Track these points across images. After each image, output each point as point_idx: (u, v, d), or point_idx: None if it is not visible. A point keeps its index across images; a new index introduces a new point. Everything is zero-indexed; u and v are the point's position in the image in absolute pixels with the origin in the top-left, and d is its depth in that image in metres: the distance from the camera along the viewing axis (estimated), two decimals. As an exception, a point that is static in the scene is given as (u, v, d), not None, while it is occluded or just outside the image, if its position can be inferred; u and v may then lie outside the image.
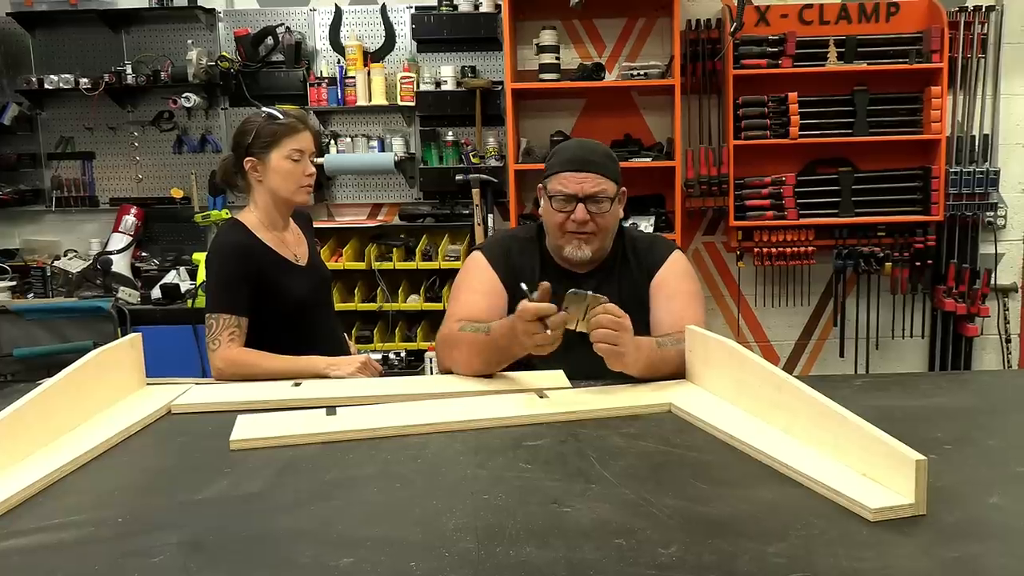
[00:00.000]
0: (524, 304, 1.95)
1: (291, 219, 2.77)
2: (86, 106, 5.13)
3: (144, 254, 5.28)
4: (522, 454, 1.60)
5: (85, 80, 5.00)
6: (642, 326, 2.29)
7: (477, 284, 2.36)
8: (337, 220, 5.30)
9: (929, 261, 5.06)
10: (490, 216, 4.93)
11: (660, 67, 4.88)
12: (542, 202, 2.40)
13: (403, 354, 4.89)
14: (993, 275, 5.14)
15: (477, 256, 2.42)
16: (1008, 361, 5.24)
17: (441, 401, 1.94)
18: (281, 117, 2.63)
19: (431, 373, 4.77)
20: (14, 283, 5.01)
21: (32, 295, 5.00)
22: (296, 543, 1.25)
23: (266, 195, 2.65)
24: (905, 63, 4.82)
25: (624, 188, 2.36)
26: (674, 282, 2.36)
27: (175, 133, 5.26)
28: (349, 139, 5.15)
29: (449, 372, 2.25)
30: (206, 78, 5.03)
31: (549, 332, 1.92)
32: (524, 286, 2.07)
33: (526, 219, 5.02)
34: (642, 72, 4.85)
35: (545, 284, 1.98)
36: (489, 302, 2.31)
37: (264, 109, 2.68)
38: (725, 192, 4.91)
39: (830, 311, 5.29)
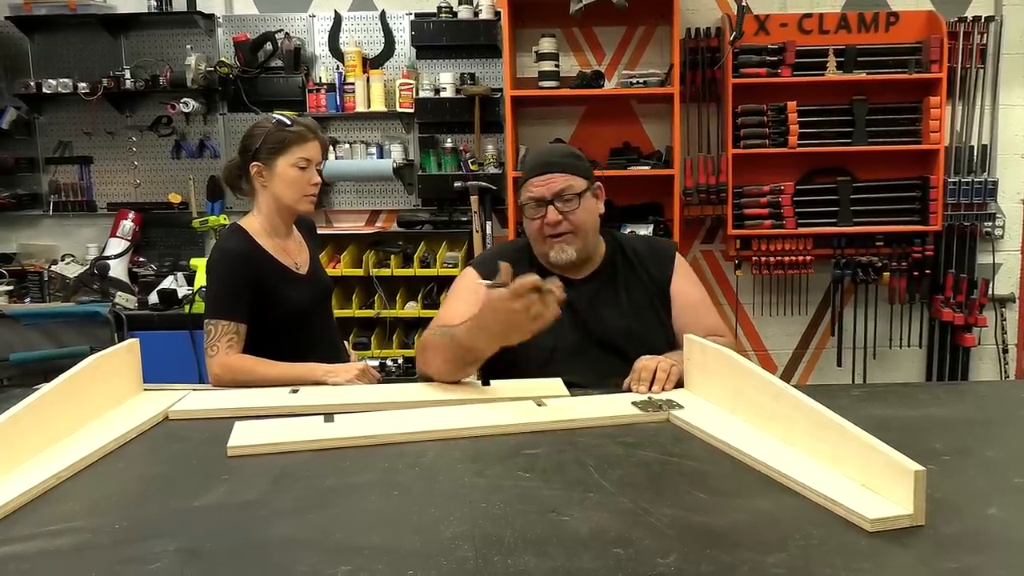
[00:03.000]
0: (520, 280, 1.87)
1: (294, 226, 2.77)
2: (84, 111, 5.14)
3: (141, 259, 5.28)
4: (520, 462, 1.59)
5: (83, 85, 5.00)
6: (656, 329, 2.34)
7: (464, 294, 2.35)
8: (335, 226, 5.30)
9: (927, 271, 5.07)
10: (488, 223, 4.93)
11: (659, 75, 4.89)
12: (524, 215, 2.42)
13: (400, 361, 4.88)
14: (991, 285, 5.15)
15: (468, 270, 2.44)
16: (1005, 371, 5.25)
17: (439, 408, 1.93)
18: (291, 124, 2.63)
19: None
20: (11, 287, 5.00)
21: (29, 300, 4.98)
22: (293, 551, 1.24)
23: (270, 201, 2.65)
24: (904, 73, 4.84)
25: (599, 183, 2.38)
26: (691, 291, 2.43)
27: (173, 138, 5.27)
28: (348, 145, 5.16)
29: (425, 378, 2.20)
30: (205, 83, 5.04)
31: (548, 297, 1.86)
32: (484, 282, 2.01)
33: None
34: (641, 80, 4.86)
35: (505, 264, 1.94)
36: (472, 311, 2.28)
37: (275, 115, 2.68)
38: (723, 201, 4.91)
39: (828, 320, 5.29)
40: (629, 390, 2.05)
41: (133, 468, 1.66)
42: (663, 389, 2.01)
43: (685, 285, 2.42)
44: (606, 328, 2.32)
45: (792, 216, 4.95)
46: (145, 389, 2.13)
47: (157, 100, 5.19)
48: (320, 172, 2.70)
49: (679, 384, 2.06)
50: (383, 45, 5.17)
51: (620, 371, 2.14)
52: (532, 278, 1.88)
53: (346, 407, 1.96)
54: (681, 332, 2.30)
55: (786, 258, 5.00)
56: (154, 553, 1.24)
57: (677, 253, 2.48)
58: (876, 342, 5.27)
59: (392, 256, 5.00)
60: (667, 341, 2.33)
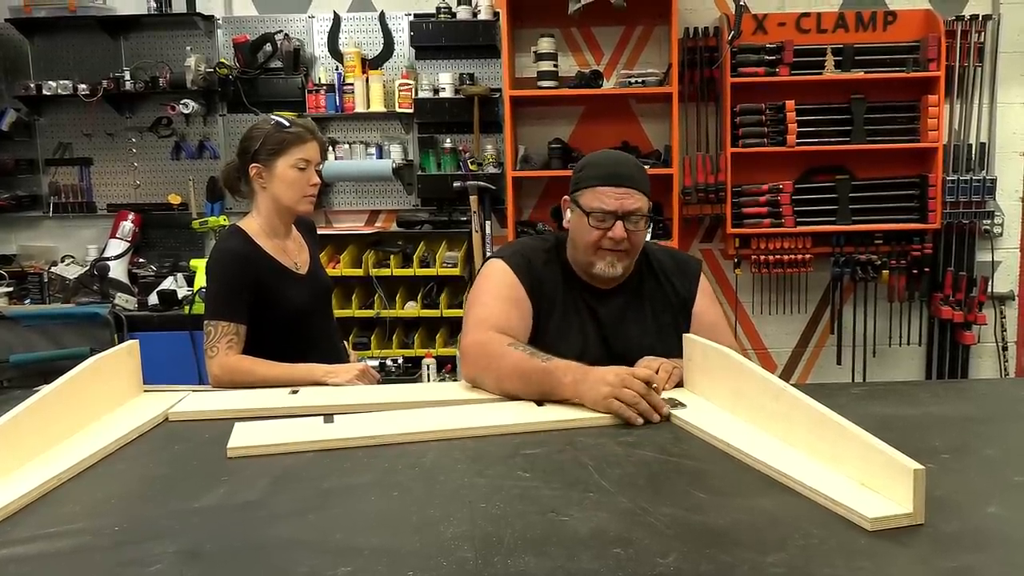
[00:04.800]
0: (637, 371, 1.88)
1: (293, 227, 2.76)
2: (84, 112, 5.15)
3: (141, 260, 5.28)
4: (520, 462, 1.59)
5: (83, 86, 5.00)
6: (678, 350, 2.15)
7: (506, 292, 2.22)
8: (335, 227, 5.30)
9: (926, 269, 5.07)
10: (488, 223, 4.93)
11: (658, 75, 4.89)
12: (569, 215, 2.29)
13: (400, 361, 4.88)
14: (990, 283, 5.15)
15: (499, 264, 2.27)
16: (1005, 369, 5.25)
17: (439, 409, 1.93)
18: (289, 125, 2.63)
19: (428, 380, 4.76)
20: (11, 289, 5.01)
21: (29, 301, 4.99)
22: (293, 552, 1.24)
23: (269, 202, 2.65)
24: (902, 72, 4.84)
25: (650, 203, 2.28)
26: (712, 311, 2.39)
27: (173, 139, 5.28)
28: (347, 146, 5.16)
29: (476, 383, 2.10)
30: (204, 85, 5.04)
31: (643, 399, 1.82)
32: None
33: (524, 226, 5.03)
34: (640, 80, 4.86)
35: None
36: (520, 312, 2.21)
37: (273, 116, 2.68)
38: (722, 200, 4.92)
39: (827, 319, 5.30)
40: None
41: (133, 470, 1.65)
42: (663, 389, 2.01)
43: (707, 305, 2.38)
44: (629, 345, 2.25)
45: (791, 215, 4.96)
46: (145, 390, 2.13)
47: (157, 101, 5.19)
48: (319, 173, 2.70)
49: (679, 384, 2.05)
50: (382, 46, 5.17)
51: None
52: (646, 373, 1.88)
53: (346, 408, 1.96)
54: None
55: (785, 256, 5.00)
56: (154, 555, 1.24)
57: (702, 273, 2.43)
58: (875, 340, 5.28)
59: (392, 256, 5.00)
60: None
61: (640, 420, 1.81)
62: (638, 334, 2.29)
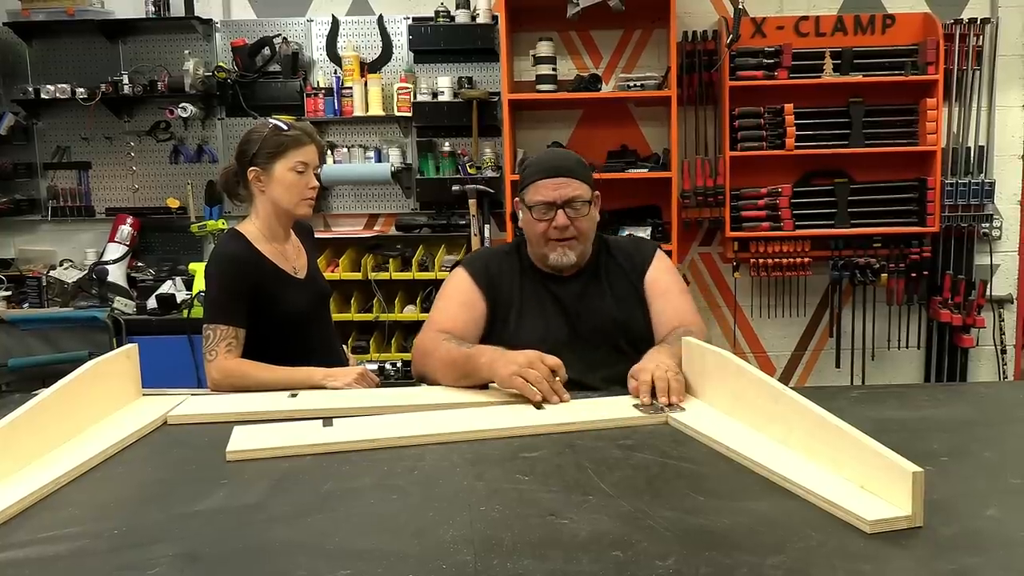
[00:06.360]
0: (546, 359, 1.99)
1: (292, 231, 2.77)
2: (83, 116, 5.14)
3: (140, 264, 5.28)
4: (519, 465, 1.60)
5: (82, 90, 5.00)
6: (638, 317, 2.40)
7: (456, 295, 2.42)
8: (334, 230, 5.30)
9: (925, 272, 5.08)
10: (486, 227, 4.94)
11: (656, 78, 4.90)
12: (521, 214, 2.46)
13: (399, 364, 4.88)
14: (988, 286, 5.15)
15: (458, 270, 2.48)
16: (1003, 372, 5.25)
17: (438, 412, 1.93)
18: (287, 128, 2.63)
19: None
20: (9, 293, 5.00)
21: (27, 305, 4.98)
22: (292, 555, 1.24)
23: (268, 206, 2.65)
24: (900, 75, 4.84)
25: (598, 192, 2.42)
26: (665, 279, 2.46)
27: (171, 143, 5.27)
28: (346, 149, 5.16)
29: (422, 379, 2.31)
30: (203, 88, 5.04)
31: (546, 381, 1.95)
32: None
33: (522, 230, 5.02)
34: (638, 83, 4.86)
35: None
36: (467, 314, 2.38)
37: (271, 120, 2.68)
38: (721, 203, 4.92)
39: (826, 322, 5.30)
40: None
41: (132, 473, 1.66)
42: (671, 401, 1.94)
43: (660, 275, 2.47)
44: (593, 321, 2.39)
45: (790, 218, 4.96)
46: (144, 394, 2.13)
47: (155, 105, 5.19)
48: (318, 176, 2.70)
49: None
50: (381, 49, 5.17)
51: (608, 362, 2.21)
52: (555, 361, 1.99)
53: (345, 411, 1.97)
54: (655, 318, 2.39)
55: (784, 260, 5.00)
56: (153, 558, 1.24)
57: (659, 250, 2.54)
58: (874, 343, 5.28)
59: (390, 260, 5.00)
60: (649, 329, 2.39)
61: (539, 398, 1.93)
62: (600, 309, 2.41)
